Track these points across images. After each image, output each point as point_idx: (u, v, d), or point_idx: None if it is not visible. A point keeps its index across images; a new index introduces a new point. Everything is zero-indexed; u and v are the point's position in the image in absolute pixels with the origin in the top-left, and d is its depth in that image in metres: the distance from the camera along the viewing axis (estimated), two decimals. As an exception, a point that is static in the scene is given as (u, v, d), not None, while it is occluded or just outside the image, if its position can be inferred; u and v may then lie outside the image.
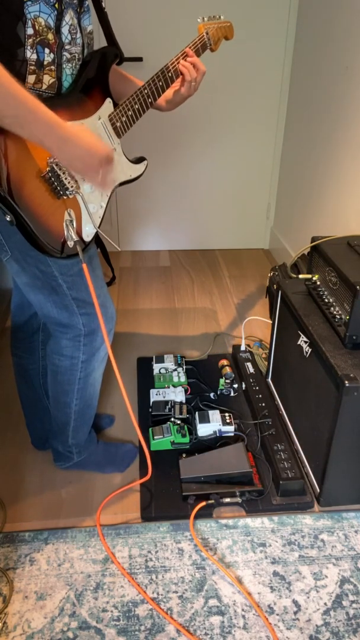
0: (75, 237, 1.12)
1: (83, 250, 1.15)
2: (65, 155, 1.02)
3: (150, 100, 1.23)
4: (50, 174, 1.05)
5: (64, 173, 1.07)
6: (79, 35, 1.09)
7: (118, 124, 1.19)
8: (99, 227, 1.21)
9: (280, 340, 1.79)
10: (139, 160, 1.30)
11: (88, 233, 1.19)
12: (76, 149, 1.02)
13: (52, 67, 1.04)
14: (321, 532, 1.42)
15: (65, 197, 1.10)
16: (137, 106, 1.21)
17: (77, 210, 1.14)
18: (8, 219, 1.03)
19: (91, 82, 1.13)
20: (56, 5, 1.00)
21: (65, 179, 1.07)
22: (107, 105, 1.17)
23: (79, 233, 1.16)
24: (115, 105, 1.19)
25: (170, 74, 1.25)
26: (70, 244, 1.13)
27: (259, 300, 2.63)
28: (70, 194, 1.10)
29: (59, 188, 1.07)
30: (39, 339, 1.50)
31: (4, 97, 0.89)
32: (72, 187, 1.09)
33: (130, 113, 1.20)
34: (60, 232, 1.11)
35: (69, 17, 1.05)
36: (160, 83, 1.24)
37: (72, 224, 1.12)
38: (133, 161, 1.29)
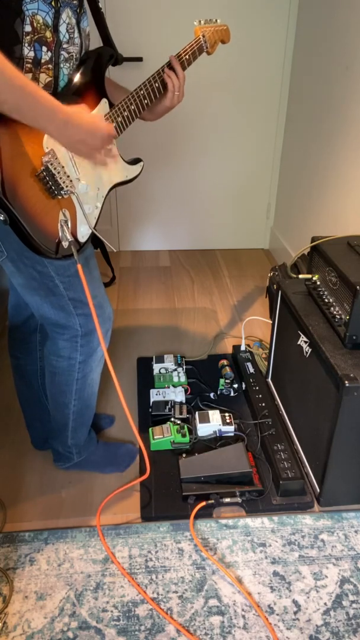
0: (70, 238, 1.11)
1: (79, 251, 1.15)
2: (68, 138, 1.02)
3: (146, 101, 1.23)
4: (44, 173, 1.05)
5: (58, 172, 1.06)
6: (77, 35, 1.09)
7: (114, 124, 1.19)
8: (94, 228, 1.21)
9: (280, 340, 1.78)
10: (135, 161, 1.30)
11: (83, 234, 1.18)
12: (78, 132, 1.02)
13: (49, 66, 1.04)
14: (321, 532, 1.42)
15: (60, 197, 1.09)
16: (133, 107, 1.21)
17: (72, 211, 1.14)
18: (2, 218, 1.02)
19: (87, 82, 1.13)
20: (53, 3, 1.00)
21: (60, 178, 1.07)
22: (103, 106, 1.17)
23: (73, 234, 1.15)
24: (111, 105, 1.19)
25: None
26: (65, 244, 1.12)
27: (259, 300, 2.63)
28: (65, 193, 1.09)
29: (53, 187, 1.07)
30: (36, 339, 1.50)
31: (5, 84, 0.89)
32: (66, 186, 1.08)
33: (126, 113, 1.20)
34: (55, 232, 1.10)
35: (65, 16, 1.04)
36: (157, 84, 1.23)
37: (67, 225, 1.11)
38: (129, 162, 1.29)
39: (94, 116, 1.08)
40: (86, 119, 1.04)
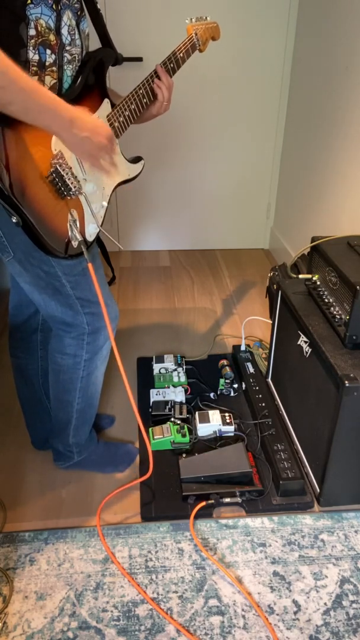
0: (79, 237, 1.13)
1: (87, 249, 1.16)
2: (73, 138, 1.02)
3: (145, 100, 1.24)
4: (54, 175, 1.06)
5: (67, 174, 1.07)
6: (77, 36, 1.09)
7: (116, 124, 1.20)
8: (100, 226, 1.22)
9: (280, 340, 1.79)
10: (136, 159, 1.31)
11: (91, 233, 1.20)
12: (82, 130, 1.02)
13: (54, 68, 1.05)
14: (321, 532, 1.42)
15: (68, 198, 1.10)
16: (133, 106, 1.22)
17: (80, 211, 1.15)
18: (14, 220, 1.03)
19: (89, 83, 1.14)
20: (54, 7, 1.01)
21: (69, 179, 1.08)
22: (105, 106, 1.18)
23: (82, 233, 1.16)
24: (113, 106, 1.20)
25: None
26: (74, 244, 1.14)
27: (259, 300, 2.63)
28: (73, 194, 1.10)
29: (62, 189, 1.08)
30: (37, 339, 1.50)
31: (9, 85, 0.89)
32: (75, 187, 1.09)
33: (127, 113, 1.21)
34: (64, 232, 1.12)
35: (66, 18, 1.05)
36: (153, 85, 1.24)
37: (76, 224, 1.13)
38: (130, 161, 1.30)
39: (95, 117, 1.09)
40: (90, 118, 1.05)
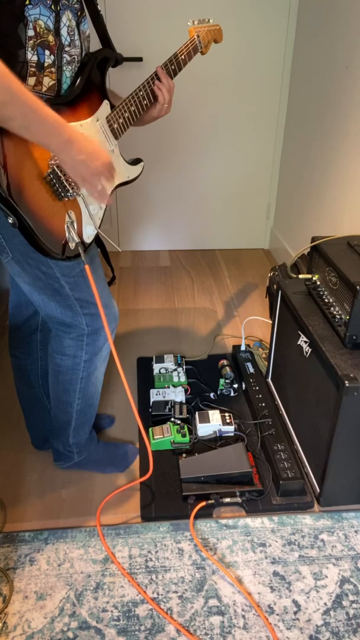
0: (76, 239, 1.13)
1: (84, 251, 1.16)
2: (70, 158, 1.02)
3: (145, 102, 1.23)
4: (51, 176, 1.06)
5: (64, 175, 1.07)
6: (77, 37, 1.09)
7: (115, 126, 1.20)
8: (98, 228, 1.22)
9: (280, 340, 1.79)
10: (136, 161, 1.31)
11: (89, 234, 1.19)
12: (80, 153, 1.02)
13: (52, 69, 1.05)
14: (321, 532, 1.42)
15: (66, 199, 1.10)
16: (133, 108, 1.22)
17: (78, 212, 1.14)
18: (10, 221, 1.03)
19: (89, 84, 1.13)
20: (53, 7, 1.01)
21: (66, 180, 1.08)
22: (105, 107, 1.18)
23: (79, 234, 1.16)
24: (112, 107, 1.20)
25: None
26: (71, 245, 1.13)
27: (259, 300, 2.63)
28: (71, 195, 1.10)
29: (60, 190, 1.08)
30: (37, 339, 1.50)
31: (11, 101, 0.89)
32: (72, 188, 1.09)
33: (127, 115, 1.21)
34: (61, 233, 1.11)
35: (66, 19, 1.05)
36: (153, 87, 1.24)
37: (73, 226, 1.12)
38: (130, 162, 1.30)
39: (96, 143, 1.08)
40: (89, 142, 1.04)
